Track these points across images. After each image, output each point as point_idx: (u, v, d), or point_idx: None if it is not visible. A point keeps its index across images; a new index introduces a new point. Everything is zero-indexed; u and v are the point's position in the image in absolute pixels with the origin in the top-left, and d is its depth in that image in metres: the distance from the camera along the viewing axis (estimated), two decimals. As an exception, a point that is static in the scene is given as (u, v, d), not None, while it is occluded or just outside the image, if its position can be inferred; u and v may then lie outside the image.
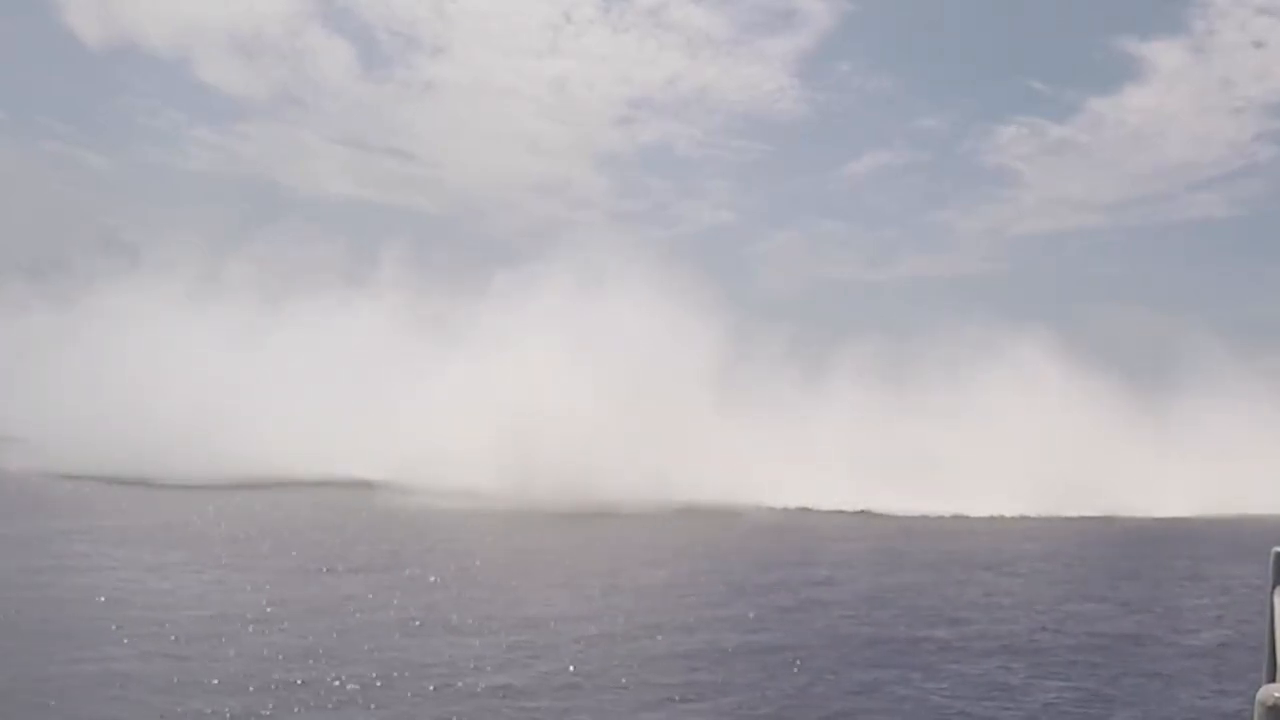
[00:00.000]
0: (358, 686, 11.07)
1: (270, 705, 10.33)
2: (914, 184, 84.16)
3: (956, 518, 32.75)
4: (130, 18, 71.64)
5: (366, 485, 32.84)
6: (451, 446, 32.85)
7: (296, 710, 10.28)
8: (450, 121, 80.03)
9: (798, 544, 25.47)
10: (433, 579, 17.76)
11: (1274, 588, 3.18)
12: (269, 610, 14.51)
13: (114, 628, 13.04)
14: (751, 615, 15.83)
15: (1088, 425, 38.66)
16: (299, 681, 11.12)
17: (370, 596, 15.99)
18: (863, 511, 32.78)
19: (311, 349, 39.53)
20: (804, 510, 33.02)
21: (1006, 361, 41.86)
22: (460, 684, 11.38)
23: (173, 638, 12.77)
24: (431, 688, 11.18)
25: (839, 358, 42.45)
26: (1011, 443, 36.83)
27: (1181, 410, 41.35)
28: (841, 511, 32.70)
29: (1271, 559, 3.28)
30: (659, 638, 14.09)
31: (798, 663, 12.95)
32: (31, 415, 36.80)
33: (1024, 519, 33.35)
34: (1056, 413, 38.99)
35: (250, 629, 13.41)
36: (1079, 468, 36.09)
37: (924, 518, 32.29)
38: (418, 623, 14.25)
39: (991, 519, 32.96)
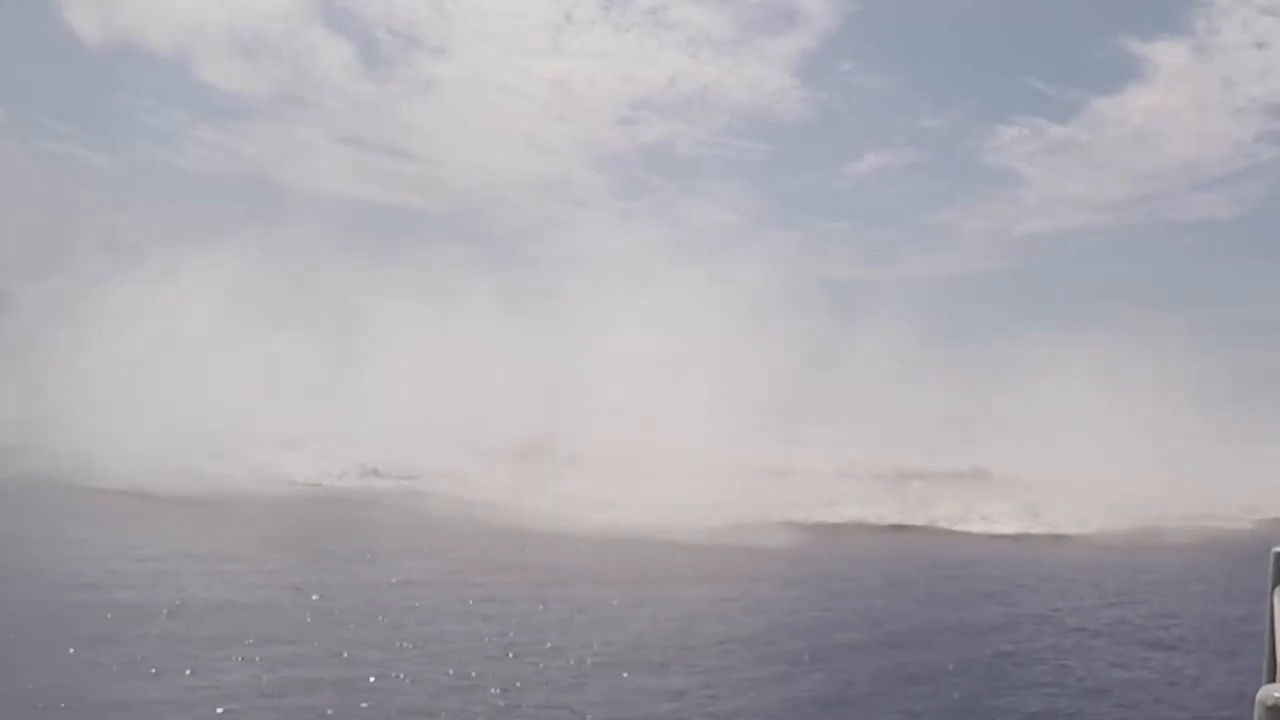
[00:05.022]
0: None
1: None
2: (916, 184, 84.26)
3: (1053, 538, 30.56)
4: (130, 17, 71.43)
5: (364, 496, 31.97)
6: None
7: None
8: (451, 120, 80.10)
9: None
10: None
11: (1274, 588, 3.15)
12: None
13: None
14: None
15: (1146, 432, 37.35)
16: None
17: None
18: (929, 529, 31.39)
19: (313, 349, 39.46)
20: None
21: (1038, 367, 41.07)
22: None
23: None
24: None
25: (855, 364, 42.03)
26: (1069, 455, 35.78)
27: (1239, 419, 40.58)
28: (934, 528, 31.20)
29: (1271, 559, 3.24)
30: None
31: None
32: (31, 417, 36.40)
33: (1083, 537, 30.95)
34: (1107, 422, 37.80)
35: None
36: (1153, 480, 34.49)
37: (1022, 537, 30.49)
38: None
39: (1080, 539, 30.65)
